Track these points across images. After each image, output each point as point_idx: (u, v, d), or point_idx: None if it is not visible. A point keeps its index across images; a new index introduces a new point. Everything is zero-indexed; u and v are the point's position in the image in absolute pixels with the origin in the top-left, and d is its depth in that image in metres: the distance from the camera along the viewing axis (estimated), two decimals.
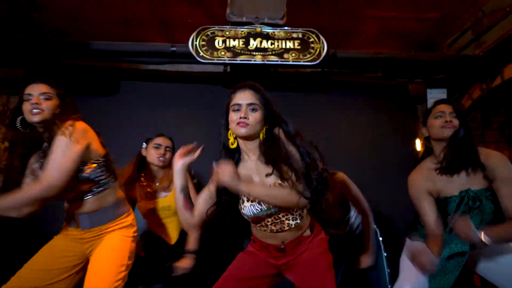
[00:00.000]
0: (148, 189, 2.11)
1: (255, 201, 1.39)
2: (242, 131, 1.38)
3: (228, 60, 2.69)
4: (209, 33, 2.74)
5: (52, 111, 1.54)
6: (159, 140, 2.16)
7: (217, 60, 2.68)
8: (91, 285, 1.47)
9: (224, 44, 2.72)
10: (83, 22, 3.02)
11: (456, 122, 1.58)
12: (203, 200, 1.43)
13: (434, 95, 3.32)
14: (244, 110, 1.40)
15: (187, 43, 2.72)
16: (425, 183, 1.61)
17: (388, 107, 3.43)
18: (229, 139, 1.45)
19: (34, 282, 1.53)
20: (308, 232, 1.49)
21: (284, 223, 1.42)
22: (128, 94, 3.31)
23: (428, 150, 1.72)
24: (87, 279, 1.50)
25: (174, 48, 2.80)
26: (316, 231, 1.51)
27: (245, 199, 1.41)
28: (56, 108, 1.56)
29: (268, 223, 1.43)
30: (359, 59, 2.93)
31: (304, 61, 2.71)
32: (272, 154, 1.35)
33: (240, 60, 2.69)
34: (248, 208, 1.40)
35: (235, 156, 1.47)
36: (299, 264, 1.44)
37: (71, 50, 2.82)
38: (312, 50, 2.74)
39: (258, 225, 1.46)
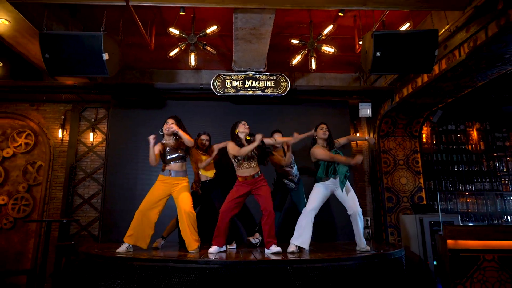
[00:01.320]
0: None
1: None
2: (244, 134, 3.55)
3: (233, 93, 4.76)
4: (222, 77, 4.78)
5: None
6: (202, 137, 4.23)
7: (227, 94, 4.75)
8: (185, 203, 3.60)
9: (230, 84, 4.77)
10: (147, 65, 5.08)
11: (327, 132, 3.70)
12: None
13: (364, 106, 5.29)
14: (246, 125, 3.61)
15: (209, 83, 4.78)
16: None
17: (334, 113, 5.44)
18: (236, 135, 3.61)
19: (148, 205, 3.68)
20: (259, 173, 3.62)
21: (252, 164, 3.56)
22: (173, 108, 5.38)
23: (315, 141, 3.76)
24: (182, 201, 3.62)
25: (202, 86, 4.86)
26: (262, 176, 3.65)
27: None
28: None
29: (250, 163, 3.56)
30: (310, 90, 4.95)
31: (276, 94, 4.75)
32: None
33: (240, 94, 4.76)
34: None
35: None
36: (259, 188, 3.58)
37: (143, 88, 4.91)
38: (281, 87, 4.77)
39: (246, 164, 3.56)
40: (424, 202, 5.07)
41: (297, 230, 3.44)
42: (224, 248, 3.58)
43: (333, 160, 3.50)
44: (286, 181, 4.14)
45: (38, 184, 5.64)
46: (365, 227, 5.36)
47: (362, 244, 3.44)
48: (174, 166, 3.70)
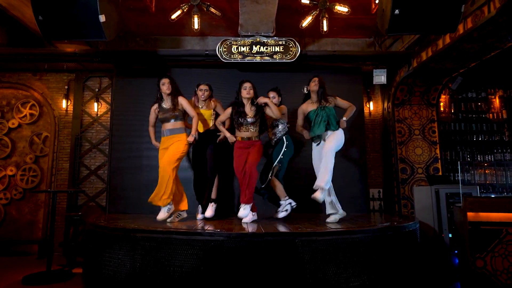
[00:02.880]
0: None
1: (249, 117, 3.46)
2: (247, 96, 3.43)
3: (240, 60, 4.45)
4: (228, 42, 4.47)
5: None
6: (201, 87, 3.98)
7: (233, 60, 4.45)
8: (165, 157, 3.51)
9: (237, 50, 4.45)
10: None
11: (318, 85, 3.57)
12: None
13: (378, 73, 4.93)
14: (248, 89, 3.44)
15: (215, 49, 4.47)
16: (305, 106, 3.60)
17: (346, 80, 5.11)
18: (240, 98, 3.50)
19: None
20: (257, 138, 3.54)
21: (250, 129, 3.47)
22: (177, 76, 5.11)
23: (307, 97, 3.63)
24: (165, 155, 3.53)
25: (207, 52, 4.56)
26: (259, 140, 3.58)
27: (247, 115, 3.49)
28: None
29: (248, 127, 3.48)
30: (321, 56, 4.60)
31: (285, 60, 4.43)
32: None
33: (247, 60, 4.45)
34: (246, 119, 3.47)
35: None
36: (252, 148, 3.49)
37: (146, 55, 4.65)
38: (291, 52, 4.44)
39: (243, 128, 3.48)
40: (440, 173, 4.83)
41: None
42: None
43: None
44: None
45: (45, 155, 5.58)
46: (376, 199, 5.18)
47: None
48: (168, 124, 3.67)
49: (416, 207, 4.14)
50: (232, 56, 4.45)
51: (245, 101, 3.59)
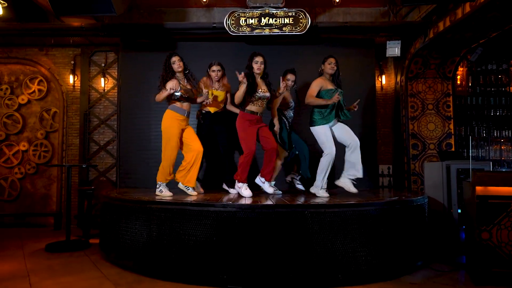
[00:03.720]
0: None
1: (265, 91, 3.60)
2: (257, 72, 3.55)
3: (248, 32, 4.50)
4: (236, 14, 4.49)
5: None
6: (214, 68, 4.08)
7: (241, 33, 4.50)
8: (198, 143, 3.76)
9: (245, 22, 4.49)
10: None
11: (335, 67, 3.62)
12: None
13: (392, 45, 4.91)
14: (259, 64, 3.54)
15: (222, 21, 4.51)
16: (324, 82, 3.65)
17: (357, 53, 5.12)
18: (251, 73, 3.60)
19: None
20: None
21: (263, 104, 3.65)
22: (184, 50, 5.18)
23: (321, 73, 3.71)
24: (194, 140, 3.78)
25: (215, 25, 4.60)
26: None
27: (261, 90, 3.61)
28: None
29: (263, 102, 3.63)
30: (333, 27, 4.60)
31: (295, 32, 4.46)
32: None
33: (256, 33, 4.49)
34: (262, 94, 3.59)
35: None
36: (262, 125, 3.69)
37: (152, 28, 4.71)
38: (301, 24, 4.45)
39: (259, 103, 3.62)
40: (453, 149, 4.91)
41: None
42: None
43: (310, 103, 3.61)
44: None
45: (55, 131, 5.81)
46: (386, 175, 5.32)
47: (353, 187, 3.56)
48: (186, 106, 3.79)
49: (426, 183, 4.25)
50: (240, 29, 4.49)
51: (256, 75, 3.65)
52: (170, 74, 3.75)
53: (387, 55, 4.81)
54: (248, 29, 4.48)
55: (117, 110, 5.47)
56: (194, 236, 2.88)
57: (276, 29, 4.47)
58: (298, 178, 4.30)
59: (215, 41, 5.12)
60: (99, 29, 4.83)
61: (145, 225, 3.13)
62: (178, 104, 3.78)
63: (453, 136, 4.97)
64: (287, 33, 4.47)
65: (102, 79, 5.64)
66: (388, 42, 4.76)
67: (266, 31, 4.48)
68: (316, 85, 3.60)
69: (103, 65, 5.67)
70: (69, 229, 4.30)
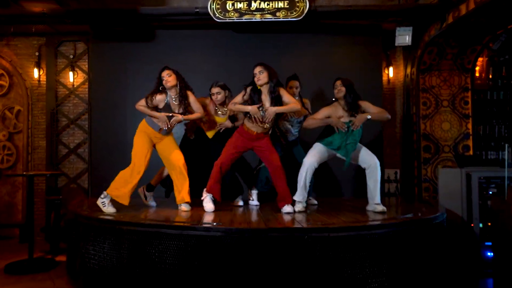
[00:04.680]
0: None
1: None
2: (259, 83, 3.14)
3: (236, 19, 4.08)
4: None
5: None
6: (212, 90, 3.63)
7: (229, 19, 4.07)
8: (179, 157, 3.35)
9: (233, 7, 4.06)
10: None
11: (343, 89, 3.22)
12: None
13: (402, 32, 4.53)
14: (258, 75, 3.10)
15: (206, 6, 4.08)
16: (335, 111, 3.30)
17: (362, 41, 4.72)
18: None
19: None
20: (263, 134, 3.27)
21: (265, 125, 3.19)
22: (163, 40, 4.76)
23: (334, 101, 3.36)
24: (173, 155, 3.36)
25: (198, 10, 4.17)
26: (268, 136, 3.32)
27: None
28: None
29: (264, 123, 3.17)
30: (334, 12, 4.20)
31: (291, 18, 4.05)
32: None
33: (245, 19, 4.07)
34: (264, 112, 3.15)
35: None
36: (262, 147, 3.26)
37: (125, 14, 4.27)
38: (297, 8, 4.04)
39: (260, 122, 3.17)
40: (471, 152, 4.57)
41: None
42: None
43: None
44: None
45: (19, 131, 5.38)
46: (392, 181, 4.98)
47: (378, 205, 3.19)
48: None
49: (440, 191, 3.95)
50: (226, 14, 4.06)
51: (262, 89, 3.20)
52: (159, 89, 3.34)
53: (396, 44, 4.43)
54: (236, 14, 4.05)
55: (88, 108, 5.04)
56: (172, 264, 2.55)
57: (268, 15, 4.05)
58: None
59: (199, 29, 4.69)
60: (63, 15, 4.37)
61: (115, 248, 2.80)
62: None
63: (471, 137, 4.63)
64: (281, 19, 4.05)
65: (71, 73, 5.18)
66: (397, 28, 4.37)
67: (257, 17, 4.06)
68: (323, 112, 3.31)
69: (71, 56, 5.22)
70: (32, 246, 3.93)
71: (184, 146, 3.74)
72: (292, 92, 3.71)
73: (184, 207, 3.35)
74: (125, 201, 3.29)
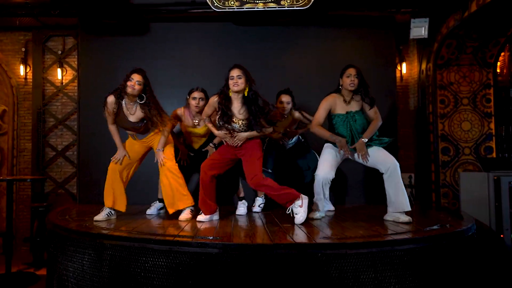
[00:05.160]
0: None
1: (238, 121, 2.77)
2: (235, 89, 2.71)
3: (237, 8, 3.71)
4: None
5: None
6: (195, 94, 3.28)
7: (228, 9, 3.71)
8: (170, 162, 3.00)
9: None
10: None
11: (356, 81, 2.83)
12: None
13: (417, 23, 4.16)
14: (235, 78, 2.68)
15: None
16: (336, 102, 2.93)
17: (373, 36, 4.36)
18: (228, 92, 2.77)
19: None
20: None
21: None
22: (158, 33, 4.40)
23: (338, 90, 2.96)
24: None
25: None
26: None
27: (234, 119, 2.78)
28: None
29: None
30: (342, 2, 3.84)
31: (296, 6, 3.68)
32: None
33: (246, 8, 3.71)
34: (234, 125, 2.78)
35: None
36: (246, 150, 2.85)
37: (116, 4, 3.91)
38: None
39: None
40: (494, 154, 4.18)
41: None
42: (216, 216, 3.01)
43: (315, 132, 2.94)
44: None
45: (4, 133, 5.03)
46: (407, 186, 4.59)
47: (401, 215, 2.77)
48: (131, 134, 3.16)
49: (462, 197, 3.59)
50: (226, 3, 3.69)
51: (233, 96, 2.79)
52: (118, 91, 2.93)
53: (411, 37, 4.06)
54: (237, 3, 3.68)
55: (77, 108, 4.67)
56: (160, 286, 2.16)
57: (272, 3, 3.68)
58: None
59: (196, 21, 4.33)
60: (49, 5, 4.02)
61: (95, 266, 2.42)
62: None
63: (494, 137, 4.24)
64: (286, 9, 3.68)
65: (59, 70, 4.83)
66: (412, 20, 4.00)
67: (260, 6, 3.69)
68: (323, 108, 2.91)
69: (60, 52, 4.87)
70: (10, 259, 3.58)
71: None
72: (283, 107, 3.40)
73: (185, 215, 3.03)
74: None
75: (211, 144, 3.39)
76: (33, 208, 4.34)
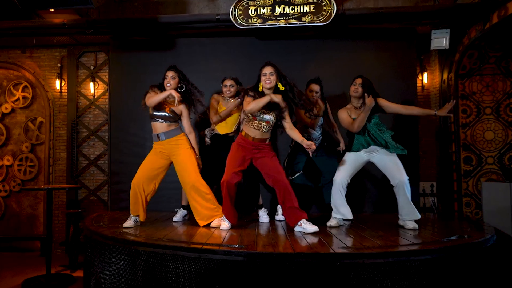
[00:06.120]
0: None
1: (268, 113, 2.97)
2: (267, 86, 2.97)
3: (259, 25, 3.92)
4: (244, 3, 3.93)
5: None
6: (226, 82, 3.66)
7: (251, 26, 3.92)
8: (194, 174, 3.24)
9: (255, 12, 3.91)
10: None
11: (359, 89, 3.14)
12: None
13: (438, 34, 4.23)
14: (268, 75, 2.93)
15: (228, 12, 3.95)
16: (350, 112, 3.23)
17: (394, 47, 4.45)
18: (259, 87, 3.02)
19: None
20: (268, 141, 3.12)
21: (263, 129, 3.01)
22: (183, 49, 4.67)
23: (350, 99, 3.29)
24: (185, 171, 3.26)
25: (219, 17, 4.05)
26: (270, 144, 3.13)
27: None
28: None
29: (261, 125, 3.01)
30: (363, 15, 3.96)
31: (317, 22, 3.85)
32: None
33: (268, 25, 3.91)
34: (266, 116, 2.98)
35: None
36: (264, 158, 3.06)
37: (145, 23, 4.21)
38: (324, 12, 3.84)
39: (256, 124, 3.01)
40: None
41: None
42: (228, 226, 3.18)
43: (357, 127, 3.13)
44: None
45: (41, 143, 5.43)
46: (428, 194, 4.63)
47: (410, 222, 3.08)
48: (159, 126, 3.34)
49: (484, 208, 3.62)
50: (249, 20, 3.91)
51: (265, 91, 3.03)
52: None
53: (432, 48, 4.13)
54: (259, 20, 3.90)
55: (108, 119, 5.01)
56: None
57: (293, 20, 3.87)
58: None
59: (220, 36, 4.57)
60: (84, 25, 4.36)
61: (129, 270, 2.67)
62: (152, 126, 3.39)
63: None
64: (307, 24, 3.86)
65: (91, 84, 5.19)
66: (433, 31, 4.08)
67: (281, 22, 3.89)
68: (345, 114, 3.27)
69: (92, 67, 5.23)
70: (50, 261, 3.87)
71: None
72: (312, 96, 3.60)
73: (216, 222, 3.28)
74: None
75: (207, 139, 3.67)
76: (68, 214, 4.67)
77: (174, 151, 3.31)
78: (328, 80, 4.40)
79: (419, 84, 4.80)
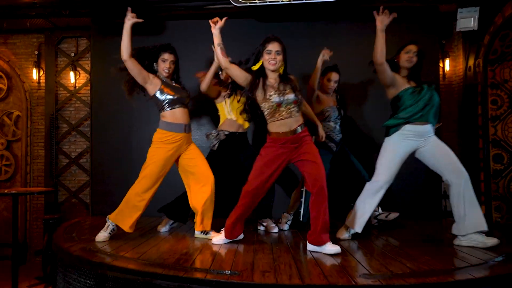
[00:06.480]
0: None
1: (281, 94, 2.32)
2: (271, 67, 2.37)
3: (259, 2, 3.35)
4: None
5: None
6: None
7: (250, 3, 3.36)
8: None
9: None
10: None
11: (415, 59, 2.63)
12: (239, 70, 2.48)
13: (465, 14, 3.65)
14: (273, 54, 2.34)
15: None
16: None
17: (413, 28, 3.88)
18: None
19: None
20: (302, 126, 2.39)
21: (293, 112, 2.35)
22: (174, 32, 4.12)
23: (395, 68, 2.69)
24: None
25: None
26: (306, 129, 2.42)
27: (273, 92, 2.34)
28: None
29: (289, 108, 2.34)
30: None
31: None
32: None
33: (270, 2, 3.34)
34: (276, 97, 2.32)
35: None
36: (302, 149, 2.36)
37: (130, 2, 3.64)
38: None
39: (284, 110, 2.33)
40: None
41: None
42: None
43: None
44: (326, 139, 3.01)
45: (18, 139, 4.92)
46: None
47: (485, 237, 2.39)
48: (182, 113, 2.75)
49: None
50: None
51: (270, 74, 2.44)
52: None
53: (457, 29, 3.57)
54: None
55: (90, 113, 4.47)
56: None
57: None
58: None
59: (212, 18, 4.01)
60: (59, 4, 3.82)
61: None
62: (168, 115, 2.72)
63: None
64: (314, 1, 3.29)
65: (72, 73, 4.65)
66: (459, 10, 3.51)
67: (285, 0, 3.32)
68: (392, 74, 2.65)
69: (73, 55, 4.68)
70: (16, 277, 3.40)
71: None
72: (330, 86, 3.15)
73: (211, 235, 2.77)
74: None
75: (214, 142, 3.08)
76: (44, 220, 4.17)
77: (189, 140, 2.81)
78: (340, 67, 3.87)
79: (439, 72, 4.23)
